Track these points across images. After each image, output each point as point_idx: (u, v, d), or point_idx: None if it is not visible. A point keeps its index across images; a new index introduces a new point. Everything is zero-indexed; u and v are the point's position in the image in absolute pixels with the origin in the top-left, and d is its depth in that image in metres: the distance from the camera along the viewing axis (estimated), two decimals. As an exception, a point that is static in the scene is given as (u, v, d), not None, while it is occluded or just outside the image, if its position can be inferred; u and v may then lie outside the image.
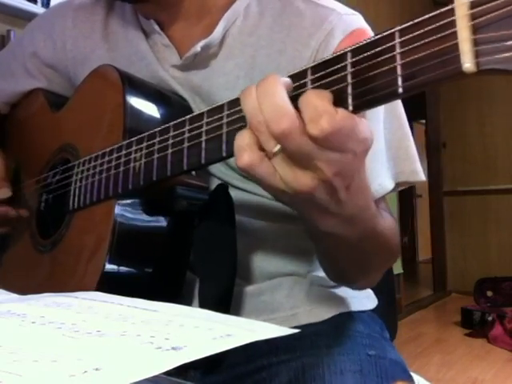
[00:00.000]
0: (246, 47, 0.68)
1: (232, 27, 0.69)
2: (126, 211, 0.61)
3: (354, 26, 0.65)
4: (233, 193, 0.64)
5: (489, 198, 4.46)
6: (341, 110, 0.39)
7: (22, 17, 1.84)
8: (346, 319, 0.72)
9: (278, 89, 0.40)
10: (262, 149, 0.42)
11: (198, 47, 0.67)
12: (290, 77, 0.43)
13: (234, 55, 0.68)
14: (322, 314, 0.71)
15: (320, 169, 0.41)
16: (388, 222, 0.59)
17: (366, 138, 0.41)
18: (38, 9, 1.85)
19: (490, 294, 3.77)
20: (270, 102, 0.40)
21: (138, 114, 0.65)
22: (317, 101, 0.39)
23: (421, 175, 0.65)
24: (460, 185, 4.59)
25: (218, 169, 0.69)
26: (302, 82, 0.43)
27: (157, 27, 0.71)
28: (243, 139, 0.42)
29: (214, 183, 0.68)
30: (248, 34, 0.68)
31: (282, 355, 0.66)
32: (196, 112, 0.53)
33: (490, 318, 3.15)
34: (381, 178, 0.63)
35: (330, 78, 0.41)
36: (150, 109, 0.67)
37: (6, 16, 1.88)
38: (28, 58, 0.84)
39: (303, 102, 0.40)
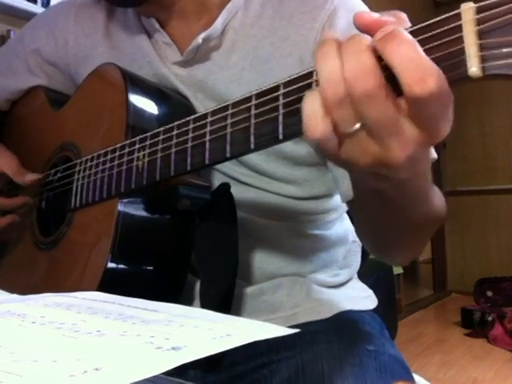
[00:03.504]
0: (248, 39, 0.68)
1: (233, 20, 0.69)
2: (128, 210, 0.61)
3: (357, 4, 0.66)
4: (238, 188, 0.63)
5: (489, 198, 4.45)
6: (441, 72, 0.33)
7: (22, 17, 1.84)
8: (346, 318, 0.72)
9: (366, 48, 0.34)
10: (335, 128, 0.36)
11: (199, 39, 0.67)
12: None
13: (238, 48, 0.68)
14: (322, 313, 0.71)
15: (393, 151, 0.35)
16: (437, 192, 0.55)
17: (451, 119, 0.35)
18: (38, 9, 1.86)
19: (489, 293, 3.76)
20: (355, 60, 0.34)
21: (140, 112, 0.65)
22: (420, 57, 0.33)
23: (433, 153, 0.62)
24: (460, 185, 4.58)
25: (222, 163, 0.69)
26: None
27: (157, 25, 0.71)
28: (315, 103, 0.36)
29: (218, 178, 0.68)
30: (250, 26, 0.68)
31: (282, 353, 0.66)
32: (200, 111, 0.53)
33: (490, 318, 3.15)
34: None
35: None
36: (152, 108, 0.67)
37: (6, 16, 1.88)
38: (29, 54, 0.84)
39: (400, 57, 0.33)
